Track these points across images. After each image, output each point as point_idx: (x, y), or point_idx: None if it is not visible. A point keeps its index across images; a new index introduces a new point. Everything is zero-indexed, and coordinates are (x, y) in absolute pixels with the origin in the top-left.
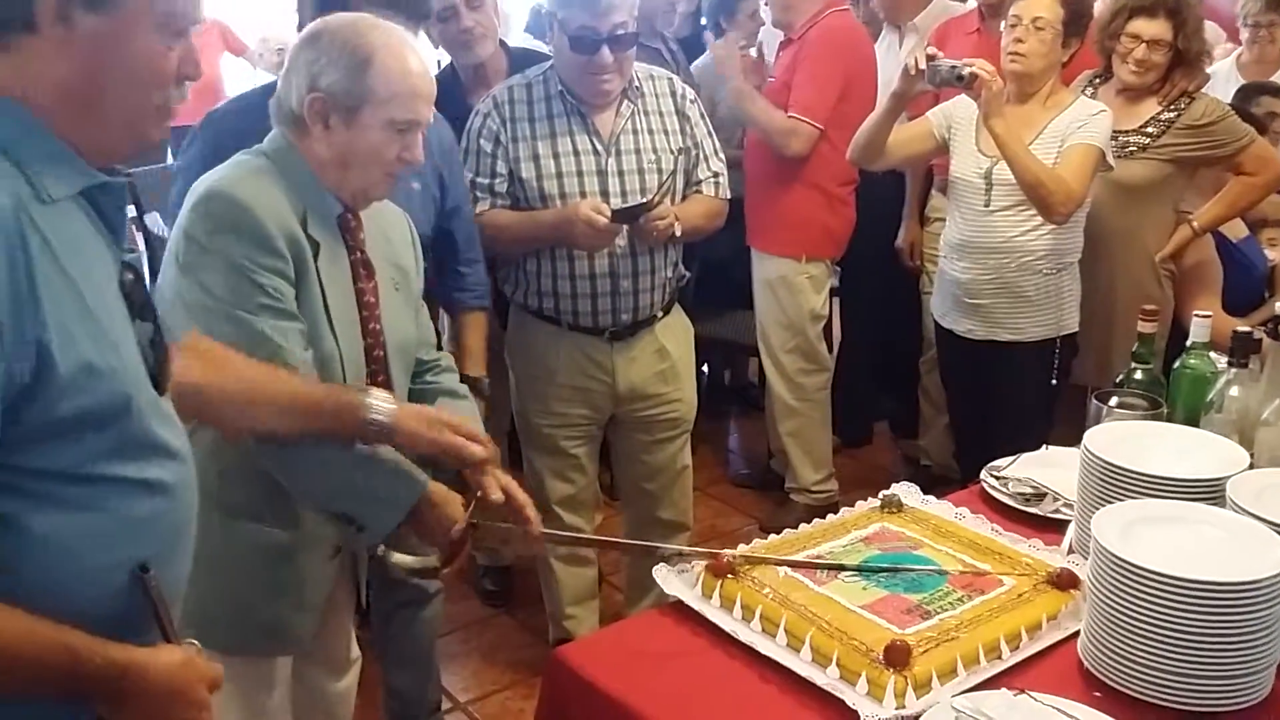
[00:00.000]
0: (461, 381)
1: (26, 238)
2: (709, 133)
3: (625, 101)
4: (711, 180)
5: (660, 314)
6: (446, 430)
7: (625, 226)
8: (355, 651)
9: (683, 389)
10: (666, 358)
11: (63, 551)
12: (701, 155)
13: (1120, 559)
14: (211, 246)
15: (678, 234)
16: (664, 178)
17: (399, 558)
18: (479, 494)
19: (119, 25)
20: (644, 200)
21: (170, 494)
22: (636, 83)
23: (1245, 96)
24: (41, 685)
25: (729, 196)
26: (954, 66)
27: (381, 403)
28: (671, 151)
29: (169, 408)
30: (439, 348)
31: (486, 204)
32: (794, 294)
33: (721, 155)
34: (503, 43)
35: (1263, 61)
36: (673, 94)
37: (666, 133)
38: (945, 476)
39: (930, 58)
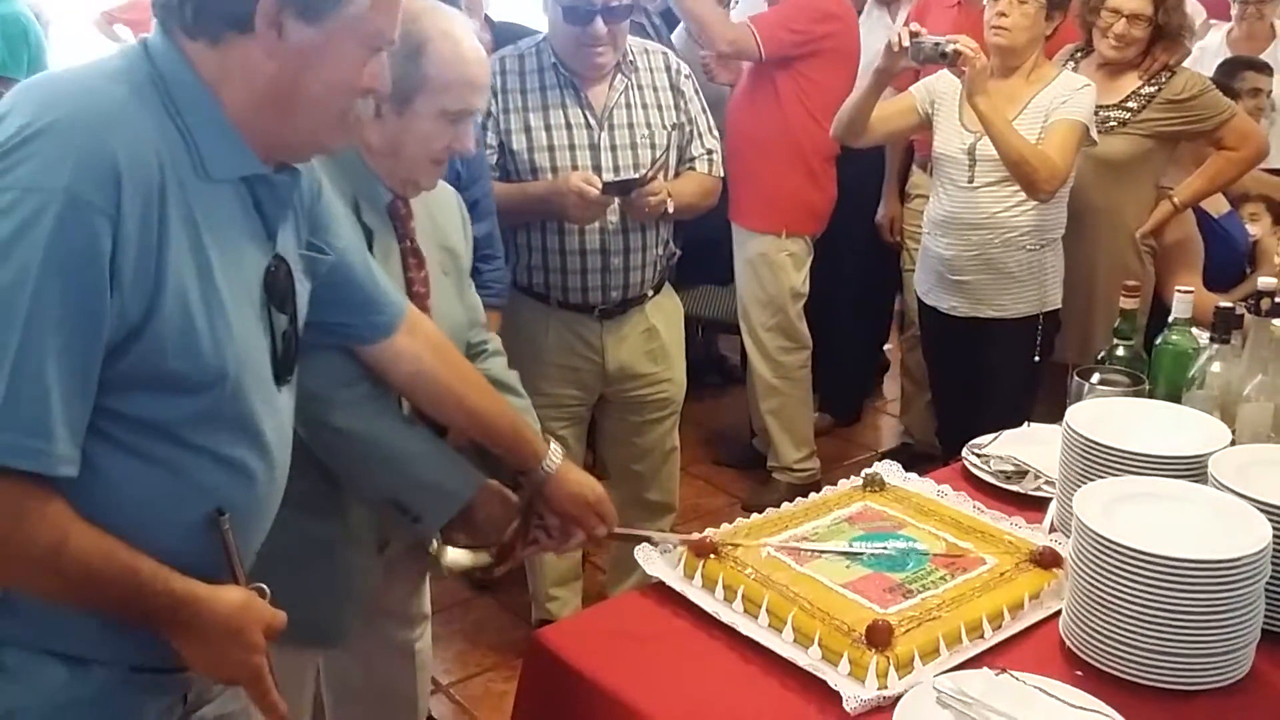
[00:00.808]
0: None
1: (166, 195)
2: (703, 109)
3: (619, 75)
4: (705, 157)
5: (650, 292)
6: (587, 508)
7: (616, 200)
8: (426, 607)
9: (672, 369)
10: (656, 337)
11: (134, 500)
12: (695, 132)
13: (1102, 536)
14: None
15: (670, 210)
16: (658, 153)
17: (453, 555)
18: (530, 496)
19: (327, 38)
20: (637, 174)
21: (250, 479)
22: (630, 56)
23: (1229, 71)
24: (108, 603)
25: (723, 174)
26: (938, 43)
27: (554, 458)
28: (665, 127)
29: (284, 400)
30: None
31: None
32: (774, 271)
33: (715, 133)
34: (487, 17)
35: (1253, 38)
36: (668, 69)
37: (661, 108)
38: (928, 454)
39: (913, 34)
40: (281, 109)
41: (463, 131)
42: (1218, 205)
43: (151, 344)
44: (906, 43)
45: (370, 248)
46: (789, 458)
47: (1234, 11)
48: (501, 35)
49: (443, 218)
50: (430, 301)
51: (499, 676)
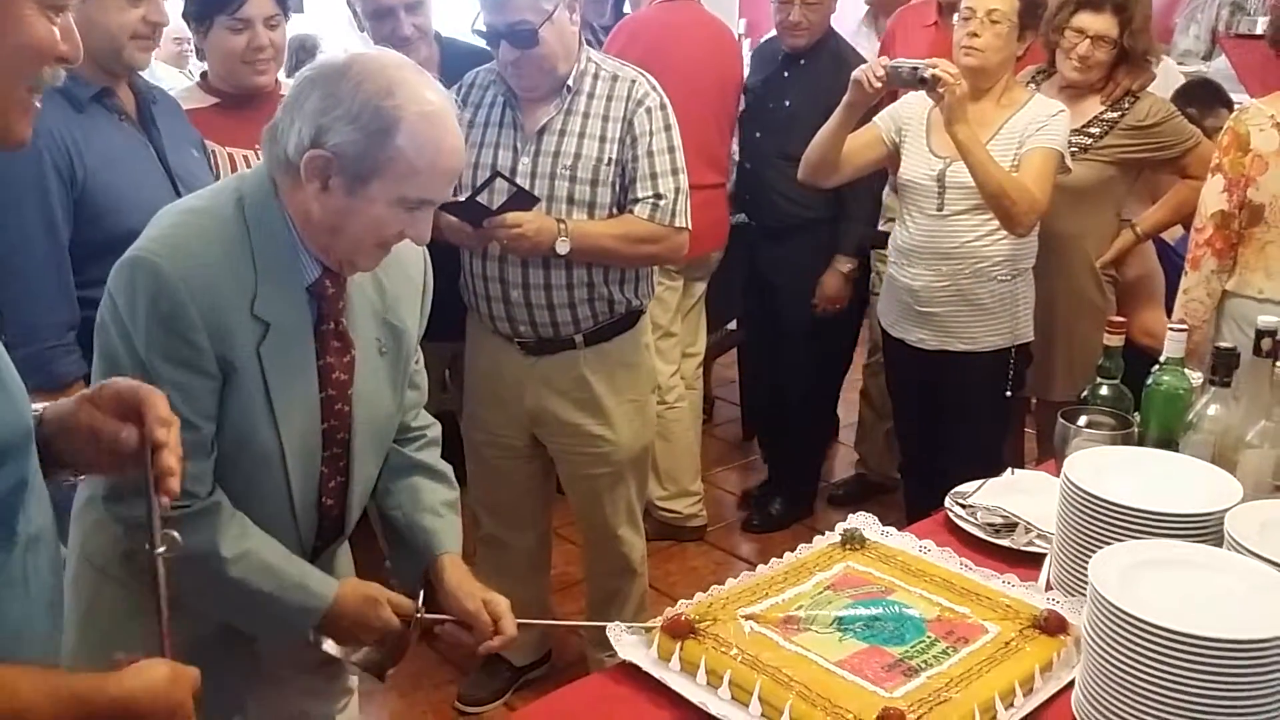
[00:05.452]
0: None
1: None
2: (666, 150)
3: (558, 98)
4: (648, 202)
5: (580, 339)
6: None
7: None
8: (348, 681)
9: (613, 429)
10: (587, 389)
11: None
12: (641, 173)
13: (1122, 611)
14: (127, 319)
15: (561, 251)
16: (577, 186)
17: (332, 646)
18: (424, 589)
19: None
20: (470, 196)
21: (51, 546)
22: (575, 79)
23: (1188, 98)
24: None
25: (681, 225)
26: (916, 68)
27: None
28: (599, 160)
29: None
30: (444, 388)
31: None
32: None
33: (676, 178)
34: (437, 34)
35: None
36: (628, 98)
37: (602, 140)
38: (883, 485)
39: (885, 65)
40: None
41: (420, 218)
42: (1173, 231)
43: None
44: (878, 84)
45: (261, 344)
46: (652, 493)
47: None
48: (447, 50)
49: (396, 286)
50: (353, 389)
51: None
